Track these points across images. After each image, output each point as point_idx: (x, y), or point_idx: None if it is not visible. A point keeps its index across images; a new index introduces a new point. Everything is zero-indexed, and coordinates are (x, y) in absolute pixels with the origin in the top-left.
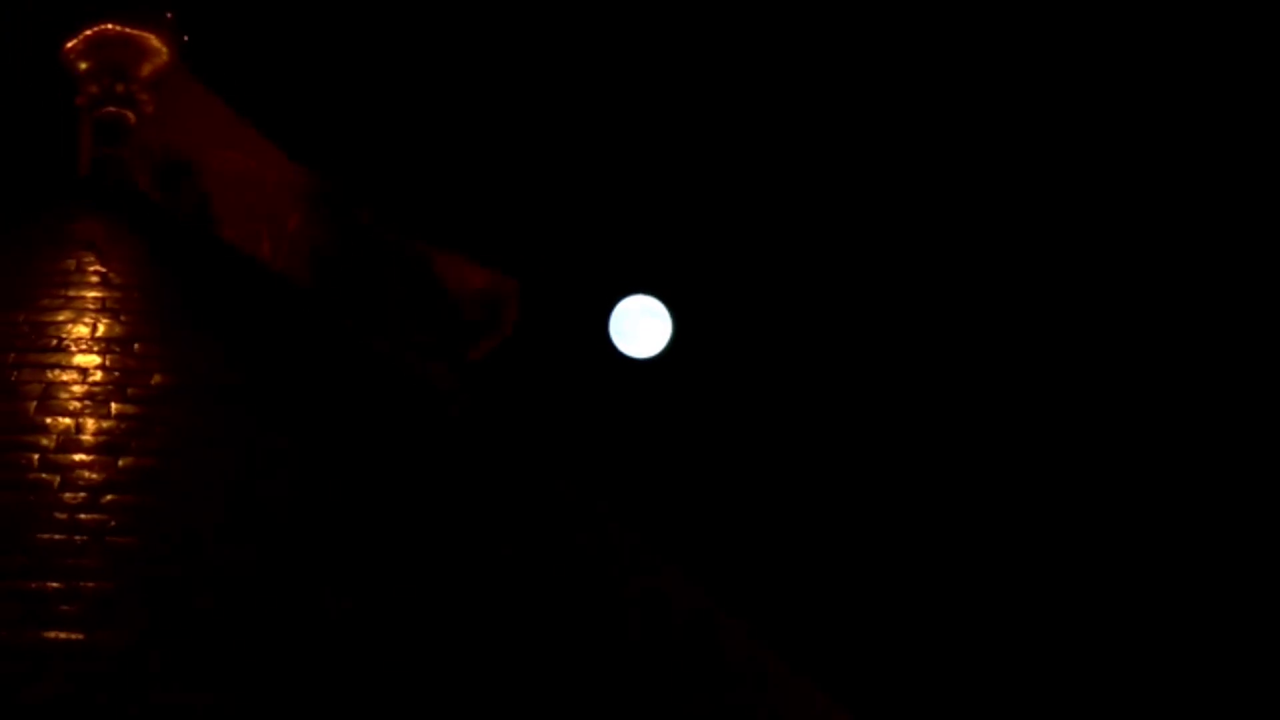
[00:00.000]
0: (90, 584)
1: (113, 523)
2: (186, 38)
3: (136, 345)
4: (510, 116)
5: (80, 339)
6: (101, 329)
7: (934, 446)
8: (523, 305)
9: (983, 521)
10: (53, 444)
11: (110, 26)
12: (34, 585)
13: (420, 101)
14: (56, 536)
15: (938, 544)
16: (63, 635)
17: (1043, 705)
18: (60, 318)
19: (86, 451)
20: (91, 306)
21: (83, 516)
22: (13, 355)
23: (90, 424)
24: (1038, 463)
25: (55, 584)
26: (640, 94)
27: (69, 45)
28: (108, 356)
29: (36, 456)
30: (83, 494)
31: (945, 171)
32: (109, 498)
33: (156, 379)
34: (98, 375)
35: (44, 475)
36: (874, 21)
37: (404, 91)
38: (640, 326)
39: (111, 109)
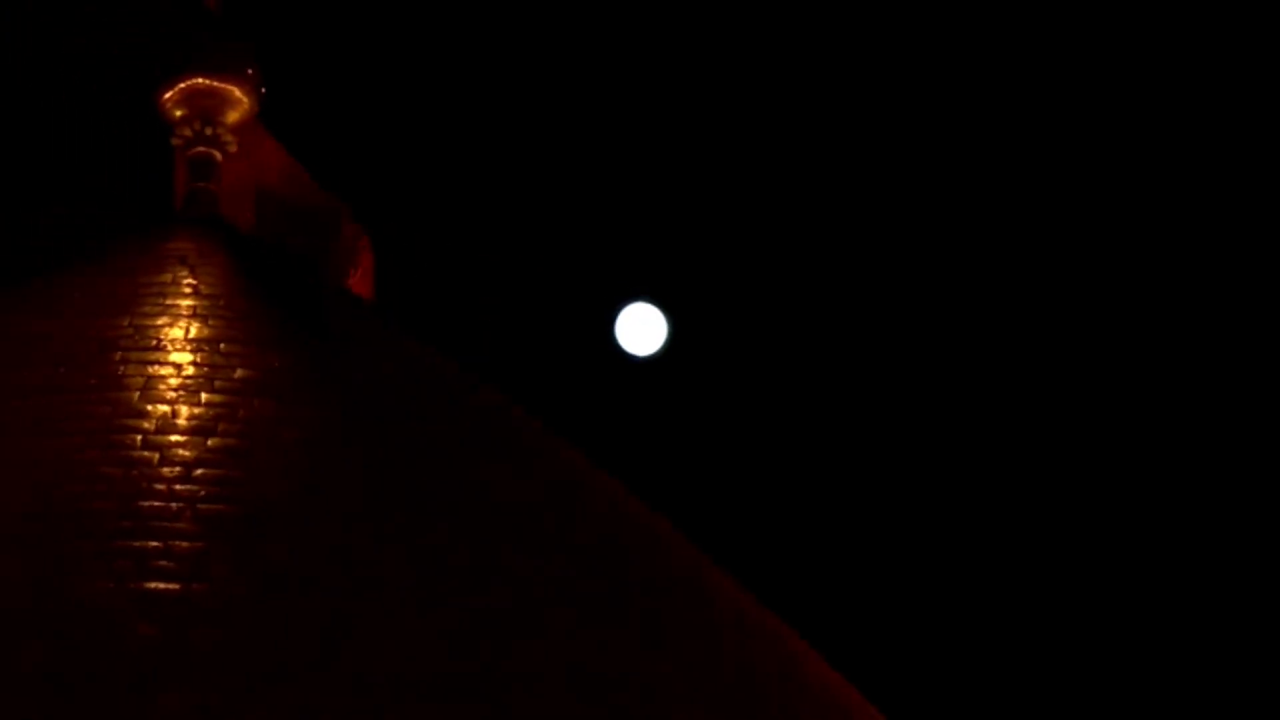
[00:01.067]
0: (184, 544)
1: (203, 493)
2: (264, 90)
3: (222, 345)
4: (521, 129)
5: (175, 340)
6: (193, 331)
7: (923, 438)
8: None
9: (973, 509)
10: (153, 427)
11: (201, 80)
12: (137, 544)
13: (430, 111)
14: (156, 504)
15: (931, 533)
16: (161, 586)
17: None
18: (158, 322)
19: (181, 434)
20: (184, 313)
21: (178, 488)
22: (119, 354)
23: (184, 411)
24: (1032, 461)
25: (155, 543)
26: (644, 105)
27: (167, 95)
28: (198, 354)
29: (139, 438)
30: (178, 469)
31: (935, 174)
32: (199, 472)
33: (239, 373)
34: (190, 370)
35: (145, 454)
36: (868, 26)
37: (417, 100)
38: (641, 328)
39: (202, 149)
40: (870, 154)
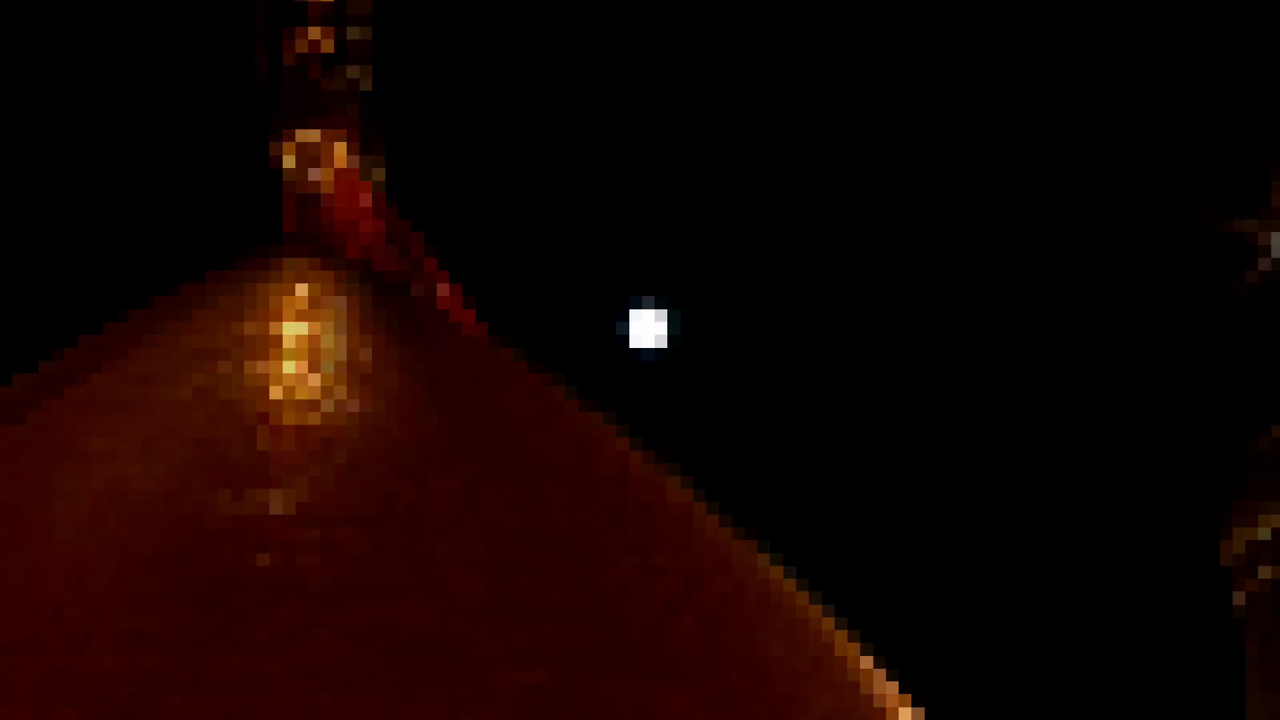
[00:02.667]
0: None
1: (308, 449)
2: (359, 144)
3: (322, 338)
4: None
5: (286, 336)
6: (301, 329)
7: (906, 429)
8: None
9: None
10: (271, 399)
11: (308, 131)
12: (259, 492)
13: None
14: (273, 459)
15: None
16: (277, 525)
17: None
18: (273, 322)
19: (296, 432)
20: (293, 316)
21: (288, 448)
22: (244, 347)
23: (295, 386)
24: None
25: (274, 491)
26: (658, 121)
27: (284, 145)
28: (305, 345)
29: (274, 429)
30: (289, 432)
31: (918, 190)
32: (306, 433)
33: (335, 360)
34: (298, 357)
35: (266, 421)
36: (860, 36)
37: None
38: (648, 327)
39: (309, 188)
40: (854, 176)
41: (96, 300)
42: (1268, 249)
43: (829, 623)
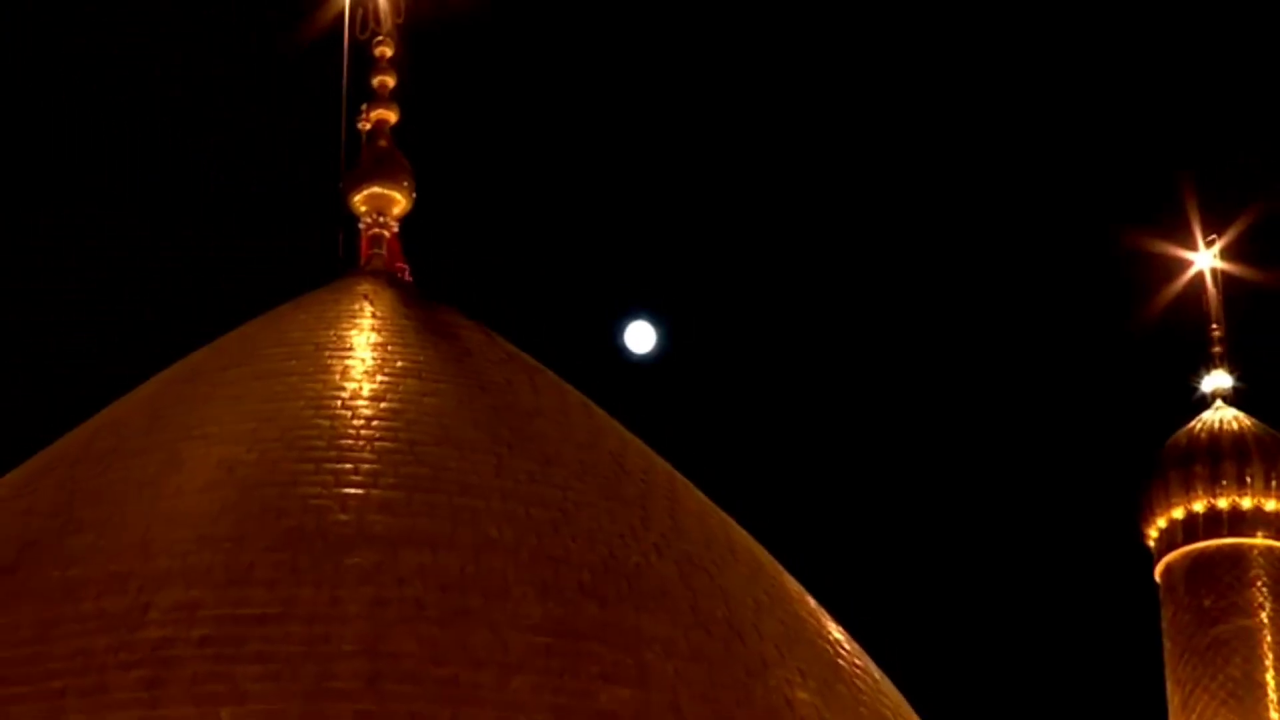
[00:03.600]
0: (365, 466)
1: (377, 435)
2: (416, 194)
3: (389, 346)
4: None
5: (360, 343)
6: (371, 339)
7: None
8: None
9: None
10: (347, 395)
11: (378, 187)
12: (337, 466)
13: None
14: (347, 441)
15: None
16: (351, 490)
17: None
18: (350, 332)
19: (365, 397)
20: (366, 327)
21: (363, 431)
22: (326, 352)
23: (365, 383)
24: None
25: (347, 465)
26: (650, 145)
27: (356, 196)
28: (375, 351)
29: (339, 401)
30: (362, 418)
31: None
32: (375, 420)
33: (399, 363)
34: (370, 361)
35: (343, 411)
36: (846, 51)
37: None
38: (641, 335)
39: (377, 230)
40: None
41: (220, 313)
42: (1178, 268)
43: (777, 566)
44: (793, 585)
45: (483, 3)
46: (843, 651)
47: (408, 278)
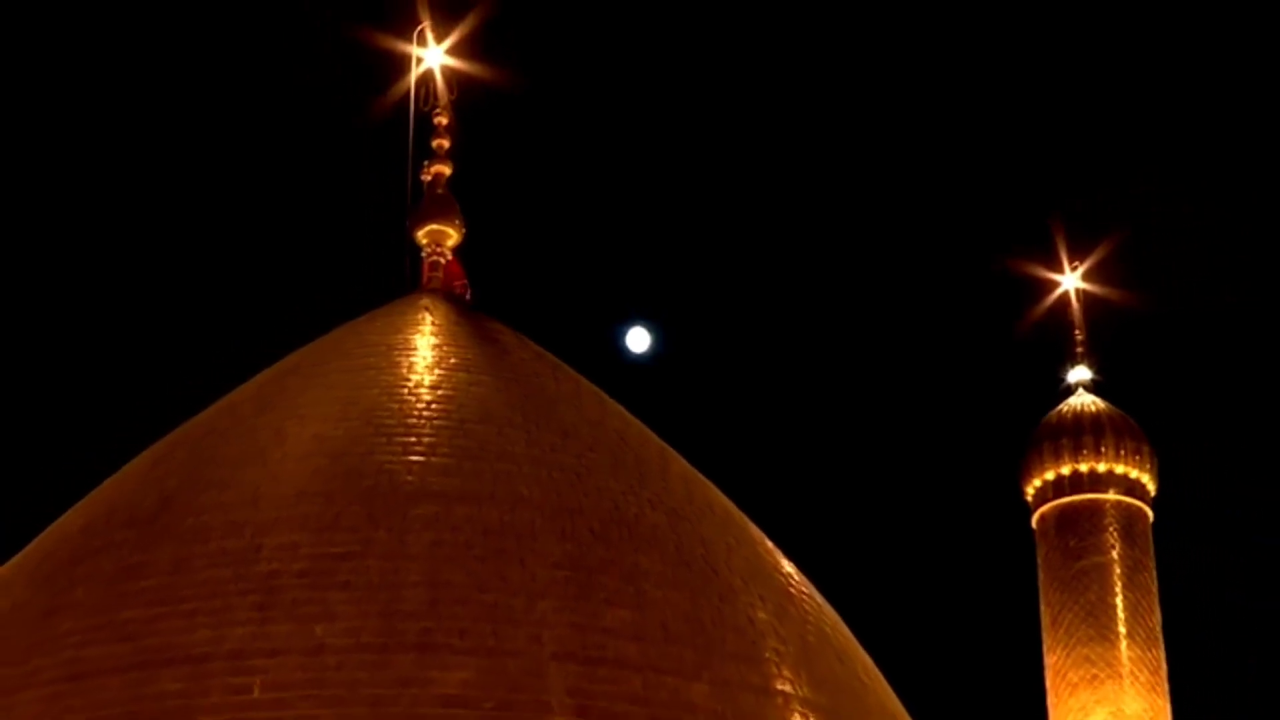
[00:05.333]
0: (425, 443)
1: (435, 419)
2: (465, 229)
3: (445, 348)
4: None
5: (420, 346)
6: (430, 343)
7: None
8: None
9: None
10: (407, 390)
11: (435, 225)
12: (402, 441)
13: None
14: (410, 422)
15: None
16: (414, 458)
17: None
18: (414, 337)
19: (425, 390)
20: (427, 334)
21: (424, 414)
22: (395, 354)
23: (425, 379)
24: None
25: (411, 438)
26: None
27: (419, 231)
28: (433, 354)
29: (405, 390)
30: (421, 405)
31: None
32: (433, 405)
33: (453, 360)
34: (428, 360)
35: (410, 399)
36: (830, 63)
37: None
38: (641, 339)
39: (435, 257)
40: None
41: (314, 322)
42: (1050, 287)
43: (743, 517)
44: (755, 531)
45: (511, 88)
46: (793, 582)
47: (468, 292)
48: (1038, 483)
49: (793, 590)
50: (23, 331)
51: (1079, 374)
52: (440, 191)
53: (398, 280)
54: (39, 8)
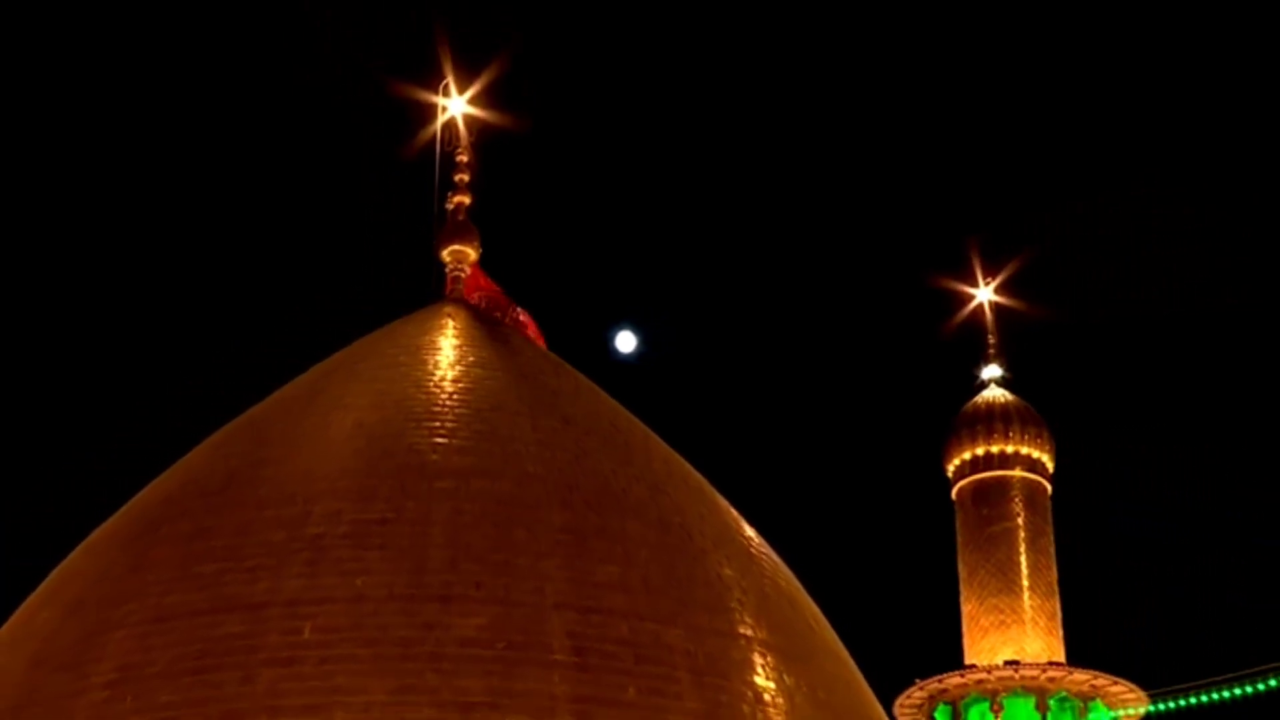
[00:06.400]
0: (448, 428)
1: (458, 407)
2: (482, 249)
3: (465, 347)
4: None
5: (443, 347)
6: (452, 343)
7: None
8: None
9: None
10: (431, 384)
11: (457, 245)
12: (428, 426)
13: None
14: (436, 409)
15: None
16: (446, 441)
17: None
18: (439, 339)
19: (449, 382)
20: (450, 337)
21: (448, 403)
22: (422, 353)
23: (449, 373)
24: None
25: (437, 424)
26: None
27: (443, 251)
28: (454, 353)
29: (431, 382)
30: (445, 395)
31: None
32: (456, 397)
33: (471, 358)
34: (450, 358)
35: (434, 389)
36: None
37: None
38: (627, 340)
39: (457, 273)
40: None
41: (355, 326)
42: (967, 299)
43: (713, 490)
44: (722, 502)
45: (520, 131)
46: (753, 544)
47: (500, 299)
48: (956, 462)
49: (753, 551)
50: (117, 339)
51: (991, 371)
52: (461, 218)
53: (424, 292)
54: (113, 46)
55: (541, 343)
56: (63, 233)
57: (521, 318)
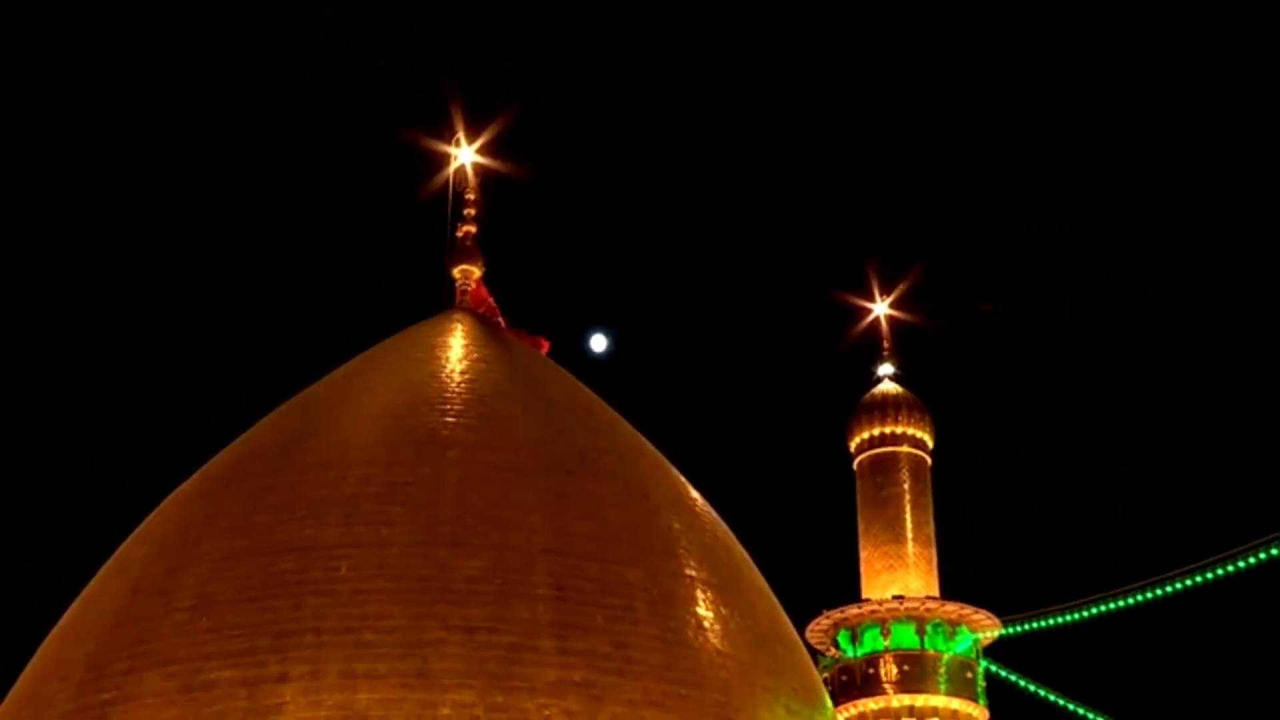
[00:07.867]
0: (460, 421)
1: (466, 392)
2: (486, 266)
3: (473, 349)
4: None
5: (452, 348)
6: (460, 348)
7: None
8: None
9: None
10: (440, 381)
11: (465, 265)
12: (438, 419)
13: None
14: (443, 400)
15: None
16: (457, 431)
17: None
18: (450, 341)
19: (456, 377)
20: (459, 340)
21: (454, 397)
22: (434, 356)
23: (457, 368)
24: None
25: (448, 417)
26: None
27: (454, 269)
28: (463, 356)
29: (439, 382)
30: (454, 391)
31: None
32: (461, 391)
33: (476, 356)
34: (460, 360)
35: (444, 388)
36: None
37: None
38: (601, 342)
39: (464, 286)
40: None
41: (380, 330)
42: (867, 312)
43: (666, 461)
44: (674, 471)
45: (518, 174)
46: (698, 505)
47: (497, 312)
48: (857, 440)
49: (698, 509)
50: (181, 341)
51: (885, 369)
52: (469, 244)
53: (438, 302)
54: (131, 57)
55: (545, 351)
56: (118, 252)
57: (540, 341)
